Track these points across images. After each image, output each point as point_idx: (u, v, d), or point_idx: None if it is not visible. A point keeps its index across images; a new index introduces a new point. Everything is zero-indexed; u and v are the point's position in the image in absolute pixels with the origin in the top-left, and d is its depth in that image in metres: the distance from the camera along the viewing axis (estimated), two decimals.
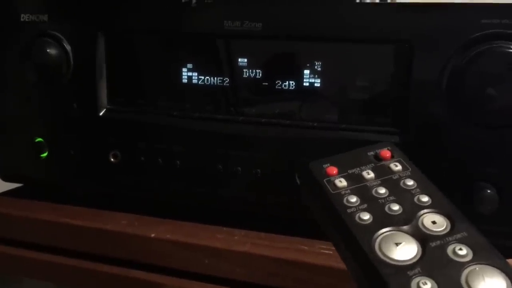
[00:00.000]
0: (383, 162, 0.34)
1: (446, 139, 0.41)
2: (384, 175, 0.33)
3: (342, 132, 0.44)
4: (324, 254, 0.43)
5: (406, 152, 0.35)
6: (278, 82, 0.46)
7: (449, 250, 0.27)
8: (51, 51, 0.50)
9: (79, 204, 0.54)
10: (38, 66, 0.50)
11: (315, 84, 0.45)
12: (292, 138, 0.46)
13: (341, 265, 0.40)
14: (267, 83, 0.47)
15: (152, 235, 0.46)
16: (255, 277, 0.43)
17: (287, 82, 0.46)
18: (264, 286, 0.43)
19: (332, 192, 0.32)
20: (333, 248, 0.43)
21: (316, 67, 0.45)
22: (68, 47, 0.50)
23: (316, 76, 0.45)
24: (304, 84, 0.45)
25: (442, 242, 0.28)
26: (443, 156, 0.42)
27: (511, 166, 0.40)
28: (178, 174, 0.49)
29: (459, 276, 0.26)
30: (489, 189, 0.40)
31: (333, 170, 0.33)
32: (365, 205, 0.31)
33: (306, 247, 0.44)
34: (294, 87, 0.46)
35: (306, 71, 0.45)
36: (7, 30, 0.52)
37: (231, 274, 0.44)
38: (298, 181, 0.45)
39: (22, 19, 0.51)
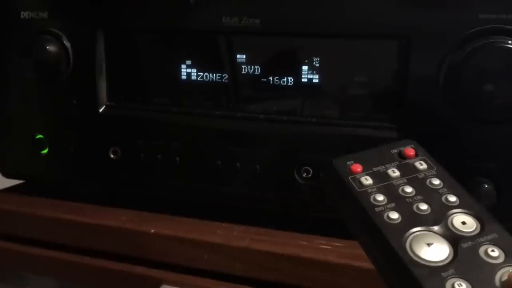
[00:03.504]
0: (407, 161, 0.33)
1: (444, 134, 0.42)
2: (409, 173, 0.32)
3: (340, 127, 0.45)
4: (323, 249, 0.43)
5: None
6: (277, 78, 0.46)
7: (481, 251, 0.27)
8: (51, 48, 0.50)
9: (80, 200, 0.54)
10: (38, 63, 0.51)
11: (314, 80, 0.45)
12: (291, 134, 0.46)
13: (340, 260, 0.41)
14: (265, 79, 0.47)
15: (152, 230, 0.46)
16: (254, 272, 0.43)
17: (285, 78, 0.46)
18: (264, 281, 0.43)
19: (358, 190, 0.31)
20: (332, 243, 0.44)
21: (314, 63, 0.45)
22: (68, 44, 0.51)
23: (315, 72, 0.45)
24: (303, 80, 0.46)
25: (473, 243, 0.28)
26: (440, 151, 0.42)
27: (508, 161, 0.41)
28: (177, 170, 0.49)
29: (493, 278, 0.26)
30: (487, 184, 0.41)
31: (358, 167, 0.33)
32: (393, 204, 0.30)
33: (305, 243, 0.44)
34: (292, 83, 0.46)
35: (305, 67, 0.45)
36: (7, 27, 0.52)
37: (231, 269, 0.44)
38: (297, 178, 0.45)
39: (22, 17, 0.51)
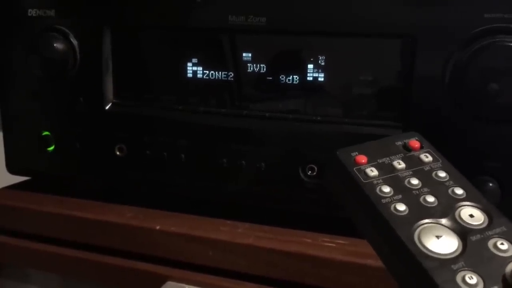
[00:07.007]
0: (412, 153, 0.33)
1: (449, 133, 0.42)
2: (415, 165, 0.32)
3: (345, 126, 0.45)
4: (327, 247, 0.43)
5: None
6: (282, 77, 0.47)
7: (490, 244, 0.27)
8: (58, 45, 0.50)
9: (85, 197, 0.54)
10: (45, 60, 0.51)
11: (319, 79, 0.46)
12: (296, 132, 0.46)
13: (344, 258, 0.41)
14: (271, 78, 0.47)
15: (157, 227, 0.47)
16: (259, 269, 0.44)
17: (291, 76, 0.46)
18: (268, 278, 0.44)
19: (364, 181, 0.31)
20: (337, 241, 0.44)
21: (320, 61, 0.45)
22: (74, 42, 0.51)
23: (320, 70, 0.45)
24: (308, 78, 0.46)
25: (482, 236, 0.27)
26: (445, 150, 0.42)
27: None
28: (183, 167, 0.49)
29: (503, 271, 0.26)
30: (491, 183, 0.41)
31: (362, 159, 0.32)
32: (400, 196, 0.30)
33: (309, 240, 0.44)
34: (298, 81, 0.46)
35: (310, 66, 0.45)
36: (15, 25, 0.52)
37: (235, 266, 0.44)
38: (302, 176, 0.45)
39: (29, 14, 0.52)
